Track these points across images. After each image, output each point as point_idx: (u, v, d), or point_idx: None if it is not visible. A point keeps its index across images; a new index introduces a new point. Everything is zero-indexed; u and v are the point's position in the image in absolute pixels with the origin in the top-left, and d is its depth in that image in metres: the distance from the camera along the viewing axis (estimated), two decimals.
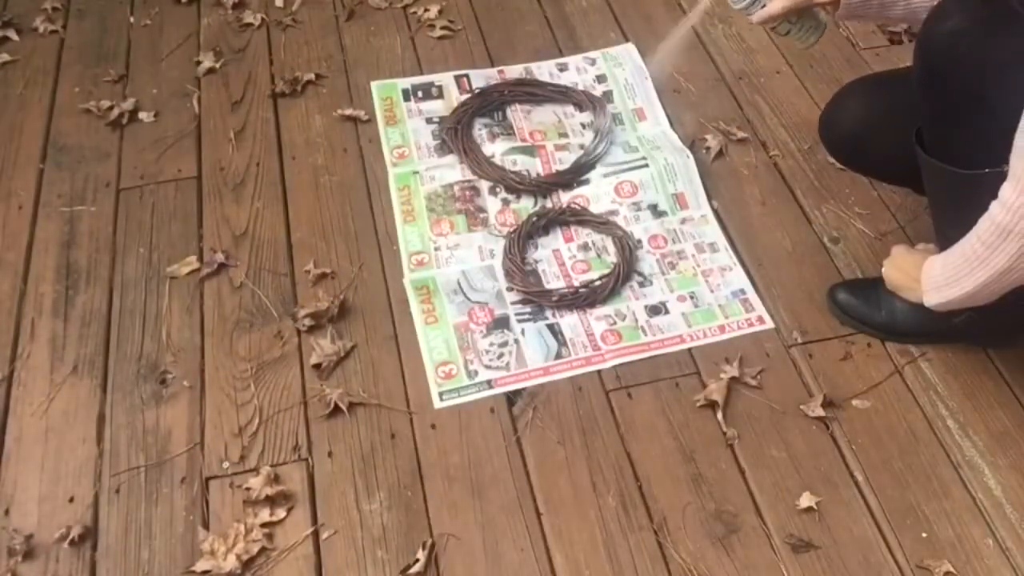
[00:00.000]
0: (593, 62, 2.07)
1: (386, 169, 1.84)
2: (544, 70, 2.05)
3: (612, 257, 1.68)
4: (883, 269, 1.51)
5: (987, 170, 1.20)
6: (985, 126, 1.21)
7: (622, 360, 1.54)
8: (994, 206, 1.19)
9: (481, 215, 1.76)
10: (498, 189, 1.79)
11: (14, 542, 1.32)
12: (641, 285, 1.64)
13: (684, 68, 2.05)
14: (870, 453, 1.42)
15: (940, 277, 1.34)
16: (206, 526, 1.35)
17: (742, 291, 1.63)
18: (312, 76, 2.03)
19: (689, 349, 1.56)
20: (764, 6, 1.50)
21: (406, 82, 2.02)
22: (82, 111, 1.97)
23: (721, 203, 1.78)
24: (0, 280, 1.67)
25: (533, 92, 1.96)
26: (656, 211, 1.76)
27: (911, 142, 1.35)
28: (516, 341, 1.56)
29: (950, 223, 1.34)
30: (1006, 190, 1.16)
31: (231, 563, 1.29)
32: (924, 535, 1.33)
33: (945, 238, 1.36)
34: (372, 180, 1.83)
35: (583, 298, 1.60)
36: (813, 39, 1.59)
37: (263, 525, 1.34)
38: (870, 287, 1.56)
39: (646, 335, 1.57)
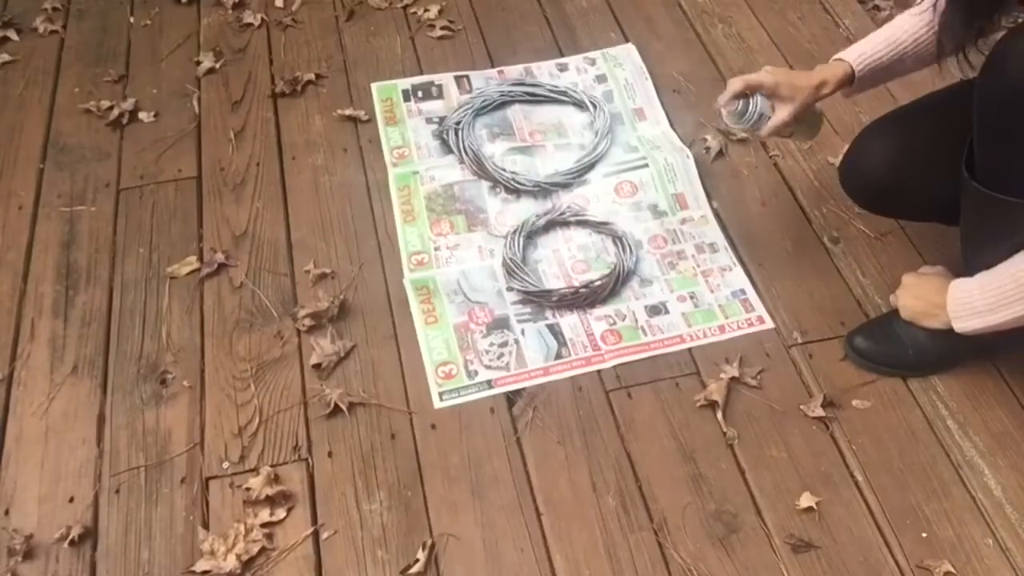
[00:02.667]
0: (593, 62, 2.07)
1: (386, 169, 1.84)
2: (544, 70, 2.05)
3: (612, 257, 1.68)
4: (898, 300, 1.48)
5: None
6: None
7: (622, 360, 1.54)
8: None
9: (481, 215, 1.76)
10: (498, 189, 1.79)
11: (14, 542, 1.32)
12: (641, 285, 1.64)
13: (684, 68, 2.05)
14: (870, 453, 1.42)
15: (980, 303, 1.31)
16: (206, 526, 1.35)
17: (742, 291, 1.63)
18: (312, 76, 2.03)
19: (689, 349, 1.56)
20: (769, 119, 1.44)
21: (406, 82, 2.02)
22: (82, 111, 1.98)
23: (721, 203, 1.78)
24: (0, 280, 1.67)
25: (533, 92, 1.96)
26: (656, 211, 1.76)
27: (945, 177, 1.31)
28: (516, 341, 1.56)
29: (991, 249, 1.30)
30: None
31: (231, 563, 1.29)
32: (924, 535, 1.33)
33: (980, 263, 1.32)
34: (372, 180, 1.83)
35: (583, 298, 1.60)
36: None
37: (263, 525, 1.34)
38: (886, 326, 1.50)
39: (646, 335, 1.57)
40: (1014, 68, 1.16)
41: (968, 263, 1.38)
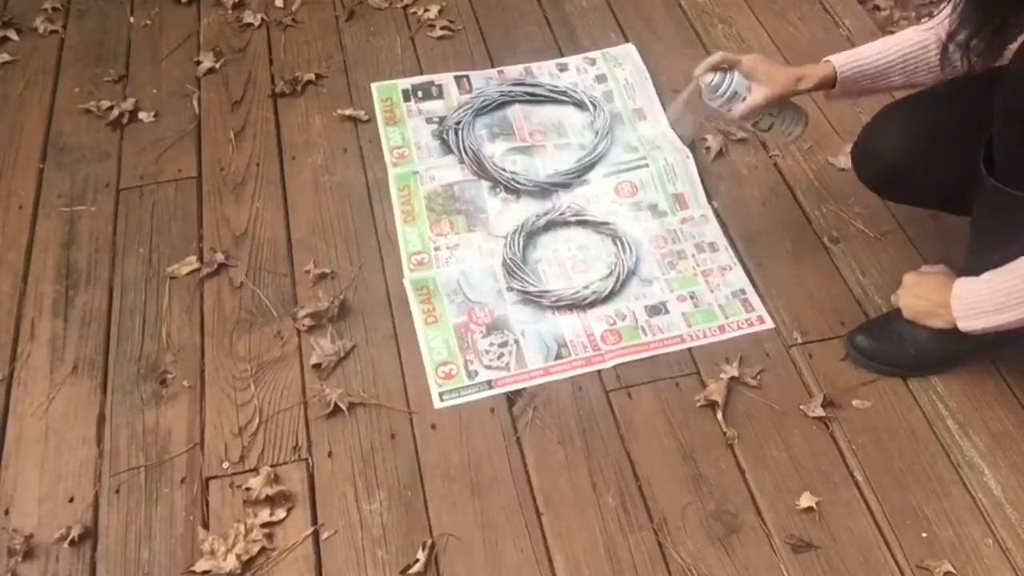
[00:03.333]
0: (593, 62, 2.07)
1: (386, 169, 1.84)
2: (544, 70, 2.05)
3: (612, 257, 1.68)
4: (899, 300, 1.48)
5: None
6: None
7: (622, 360, 1.54)
8: None
9: (481, 215, 1.76)
10: (498, 189, 1.79)
11: (14, 542, 1.32)
12: (641, 285, 1.64)
13: (684, 68, 2.04)
14: (870, 453, 1.42)
15: (988, 302, 1.30)
16: (206, 526, 1.35)
17: (742, 291, 1.63)
18: (312, 76, 2.03)
19: (689, 349, 1.56)
20: (744, 99, 1.44)
21: (406, 82, 2.02)
22: (82, 111, 1.98)
23: (721, 203, 1.78)
24: (0, 280, 1.67)
25: (533, 92, 1.96)
26: (656, 211, 1.76)
27: (959, 166, 1.30)
28: (516, 341, 1.56)
29: (1000, 248, 1.29)
30: None
31: (231, 563, 1.30)
32: (924, 535, 1.33)
33: (985, 262, 1.32)
34: (372, 180, 1.83)
35: (583, 298, 1.60)
36: (798, 130, 1.53)
37: (263, 525, 1.34)
38: (886, 325, 1.51)
39: (646, 335, 1.57)
40: None
41: (972, 261, 1.37)
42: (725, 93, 1.44)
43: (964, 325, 1.35)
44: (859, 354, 1.51)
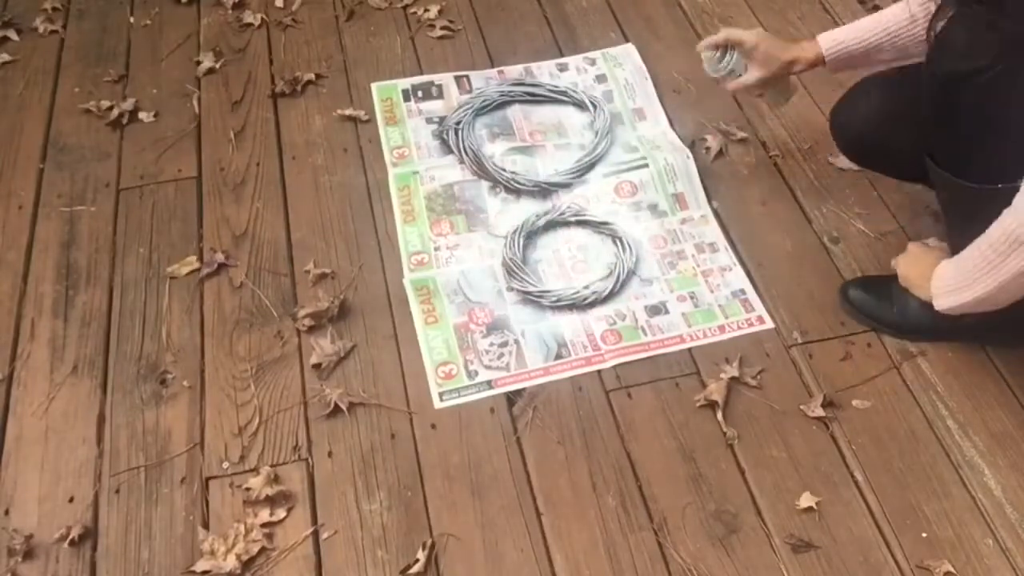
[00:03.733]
0: (593, 62, 2.07)
1: (386, 169, 1.84)
2: (544, 70, 2.05)
3: (612, 257, 1.68)
4: (897, 266, 1.51)
5: (1000, 186, 1.20)
6: (999, 144, 1.22)
7: (622, 360, 1.54)
8: (1007, 216, 1.19)
9: (481, 215, 1.76)
10: (498, 189, 1.79)
11: (14, 542, 1.32)
12: (641, 285, 1.64)
13: (684, 68, 2.05)
14: (870, 453, 1.42)
15: (952, 281, 1.34)
16: (206, 526, 1.35)
17: (742, 291, 1.63)
18: (312, 76, 2.03)
19: (689, 349, 1.56)
20: (739, 76, 1.58)
21: (406, 82, 2.02)
22: (82, 111, 1.98)
23: (721, 203, 1.78)
24: (0, 280, 1.67)
25: (533, 92, 1.96)
26: (656, 211, 1.76)
27: (923, 143, 1.35)
28: (516, 341, 1.56)
29: (961, 231, 1.33)
30: (1020, 202, 1.17)
31: (231, 563, 1.30)
32: (924, 535, 1.33)
33: (956, 244, 1.36)
34: (372, 180, 1.83)
35: (583, 298, 1.60)
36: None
37: (263, 525, 1.34)
38: (883, 284, 1.55)
39: (646, 335, 1.57)
40: (946, 58, 1.23)
41: (949, 243, 1.43)
42: (724, 69, 1.58)
43: (937, 303, 1.38)
44: (847, 302, 1.58)
